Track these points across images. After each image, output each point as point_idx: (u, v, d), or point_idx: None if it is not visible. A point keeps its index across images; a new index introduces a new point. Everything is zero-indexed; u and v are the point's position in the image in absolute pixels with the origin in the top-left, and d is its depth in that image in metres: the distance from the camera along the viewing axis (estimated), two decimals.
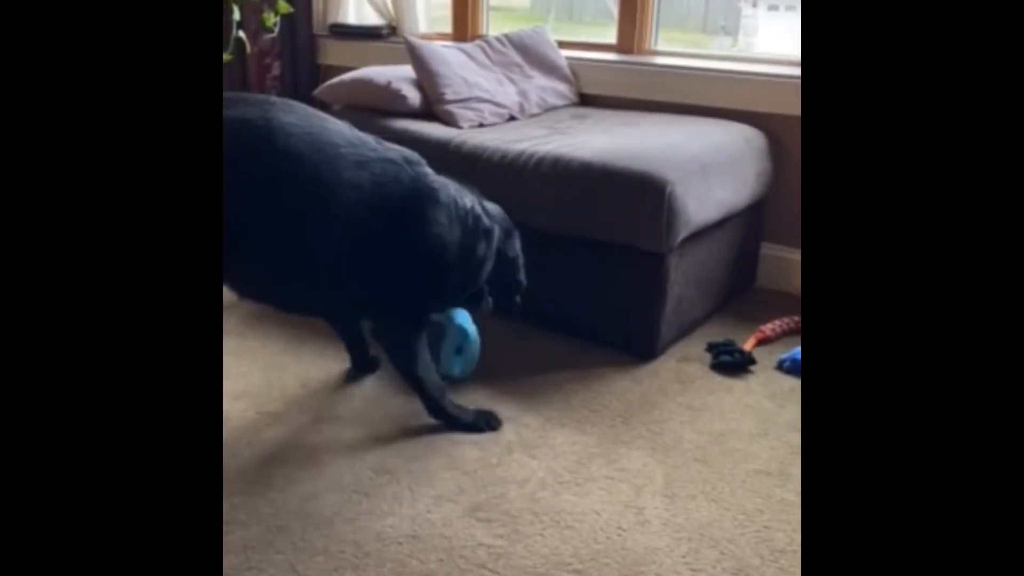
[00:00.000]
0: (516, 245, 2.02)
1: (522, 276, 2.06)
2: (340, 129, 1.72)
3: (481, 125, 2.58)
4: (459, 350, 2.07)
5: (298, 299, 1.83)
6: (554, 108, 2.82)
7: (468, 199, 1.87)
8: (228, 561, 1.47)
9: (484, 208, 1.90)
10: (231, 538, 1.52)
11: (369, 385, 2.07)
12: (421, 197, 1.75)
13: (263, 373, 2.14)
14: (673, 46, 3.03)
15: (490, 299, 2.03)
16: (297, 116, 1.67)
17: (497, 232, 1.92)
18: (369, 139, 1.76)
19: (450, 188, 1.83)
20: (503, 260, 1.97)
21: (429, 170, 1.82)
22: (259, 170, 1.60)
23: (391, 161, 1.74)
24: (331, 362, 2.18)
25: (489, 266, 1.92)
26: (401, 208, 1.73)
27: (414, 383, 1.88)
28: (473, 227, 1.84)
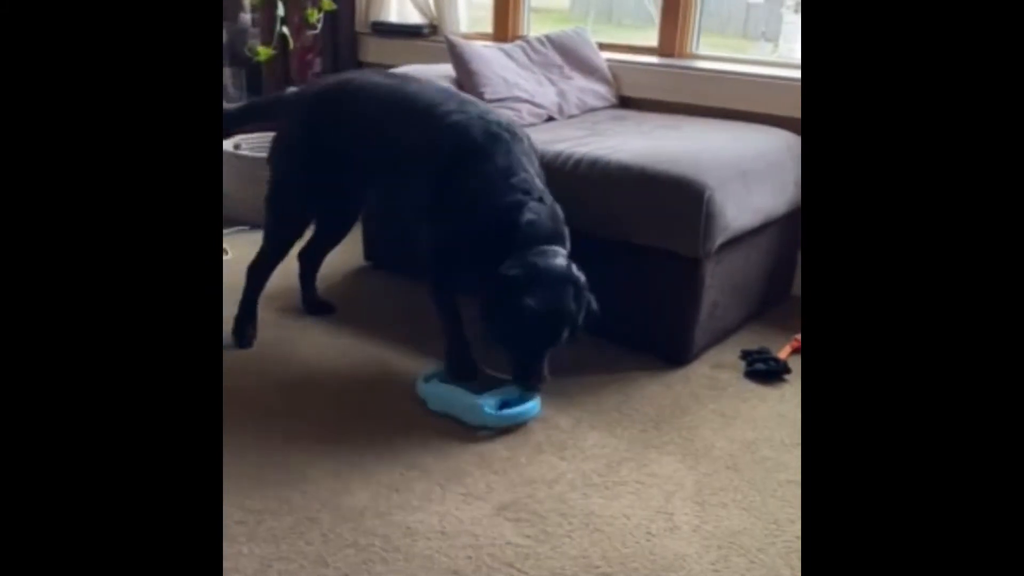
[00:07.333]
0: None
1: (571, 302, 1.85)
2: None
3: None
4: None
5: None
6: (593, 110, 2.81)
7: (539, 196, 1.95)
8: (259, 550, 1.48)
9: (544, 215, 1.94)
10: (262, 528, 1.54)
11: (403, 380, 2.08)
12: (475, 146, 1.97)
13: (299, 365, 2.16)
14: (713, 51, 3.01)
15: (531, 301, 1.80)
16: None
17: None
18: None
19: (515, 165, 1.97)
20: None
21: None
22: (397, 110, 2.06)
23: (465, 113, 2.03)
24: (367, 356, 2.19)
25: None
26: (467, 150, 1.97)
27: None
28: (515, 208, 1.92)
